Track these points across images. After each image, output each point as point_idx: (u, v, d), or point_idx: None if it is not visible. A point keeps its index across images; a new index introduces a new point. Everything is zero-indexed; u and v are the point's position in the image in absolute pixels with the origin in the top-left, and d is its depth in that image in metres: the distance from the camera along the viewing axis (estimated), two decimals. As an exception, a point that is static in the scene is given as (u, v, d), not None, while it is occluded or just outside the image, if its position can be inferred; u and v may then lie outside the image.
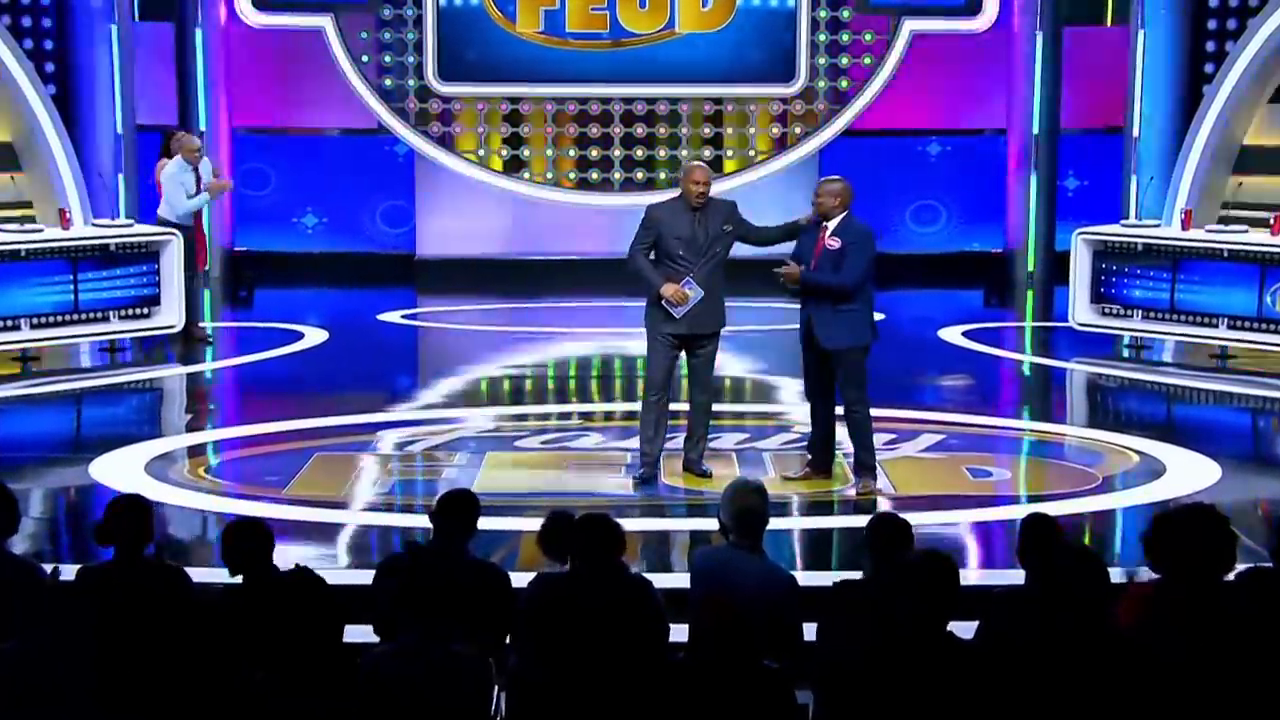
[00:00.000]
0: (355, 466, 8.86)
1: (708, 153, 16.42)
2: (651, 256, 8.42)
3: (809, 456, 8.53)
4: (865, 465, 8.30)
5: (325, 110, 16.62)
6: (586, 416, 10.29)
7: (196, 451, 9.23)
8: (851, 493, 8.24)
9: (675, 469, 8.65)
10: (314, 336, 13.06)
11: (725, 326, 8.52)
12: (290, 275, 16.37)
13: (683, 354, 8.52)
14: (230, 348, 12.97)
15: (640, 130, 16.44)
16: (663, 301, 8.31)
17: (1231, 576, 4.85)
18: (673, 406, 8.70)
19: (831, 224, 8.19)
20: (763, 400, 11.08)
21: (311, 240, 17.00)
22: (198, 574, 5.75)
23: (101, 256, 11.77)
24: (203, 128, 15.79)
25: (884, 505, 8.05)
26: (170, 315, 12.08)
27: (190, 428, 10.00)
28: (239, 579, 5.31)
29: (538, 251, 16.57)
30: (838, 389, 8.27)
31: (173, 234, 11.97)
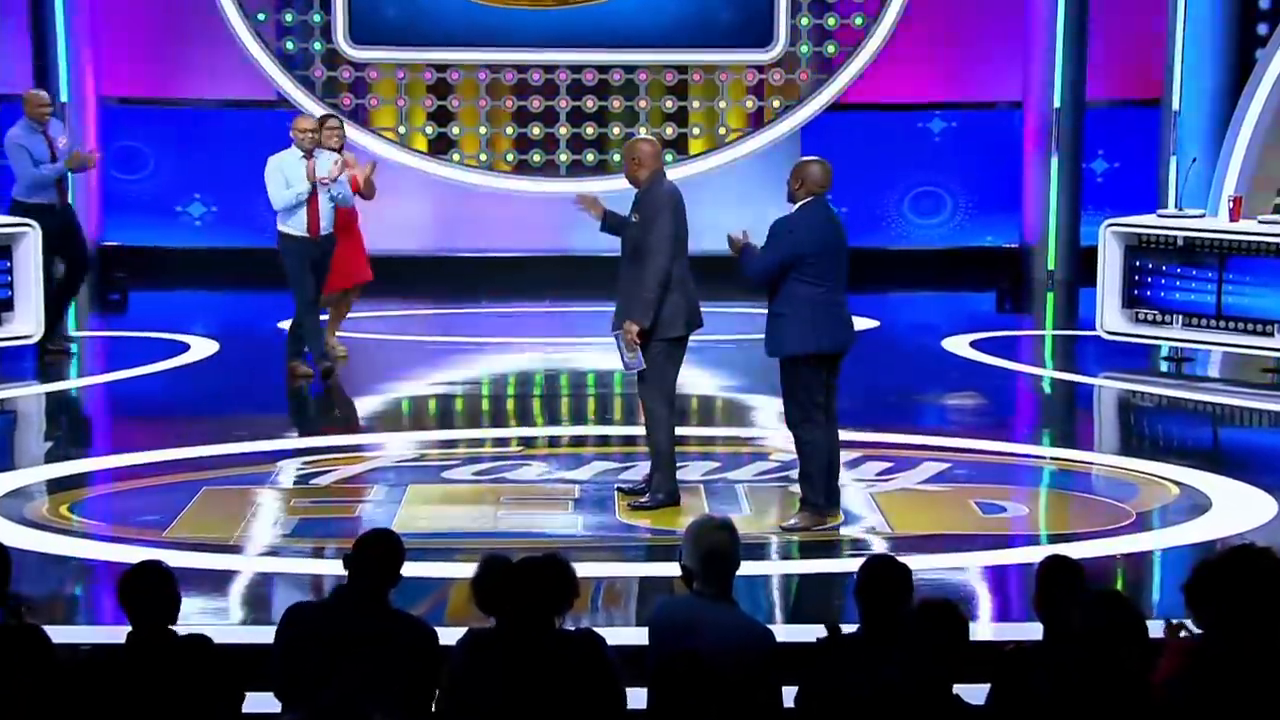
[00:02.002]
0: (251, 503, 8.84)
1: (670, 130, 16.48)
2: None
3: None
4: (806, 500, 8.35)
5: (214, 78, 16.59)
6: (527, 443, 10.29)
7: (58, 486, 9.19)
8: (857, 532, 8.28)
9: (628, 503, 8.68)
10: (201, 348, 13.01)
11: (669, 335, 8.51)
12: (172, 275, 16.31)
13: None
14: (99, 361, 12.91)
15: (590, 104, 16.48)
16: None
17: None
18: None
19: (792, 210, 8.25)
20: (735, 423, 11.10)
21: (198, 233, 16.95)
22: (58, 633, 5.73)
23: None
24: (64, 98, 15.74)
25: (878, 547, 8.09)
26: (27, 323, 12.00)
27: (50, 458, 9.95)
28: (107, 640, 5.29)
29: (470, 247, 16.58)
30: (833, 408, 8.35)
31: (28, 225, 11.86)
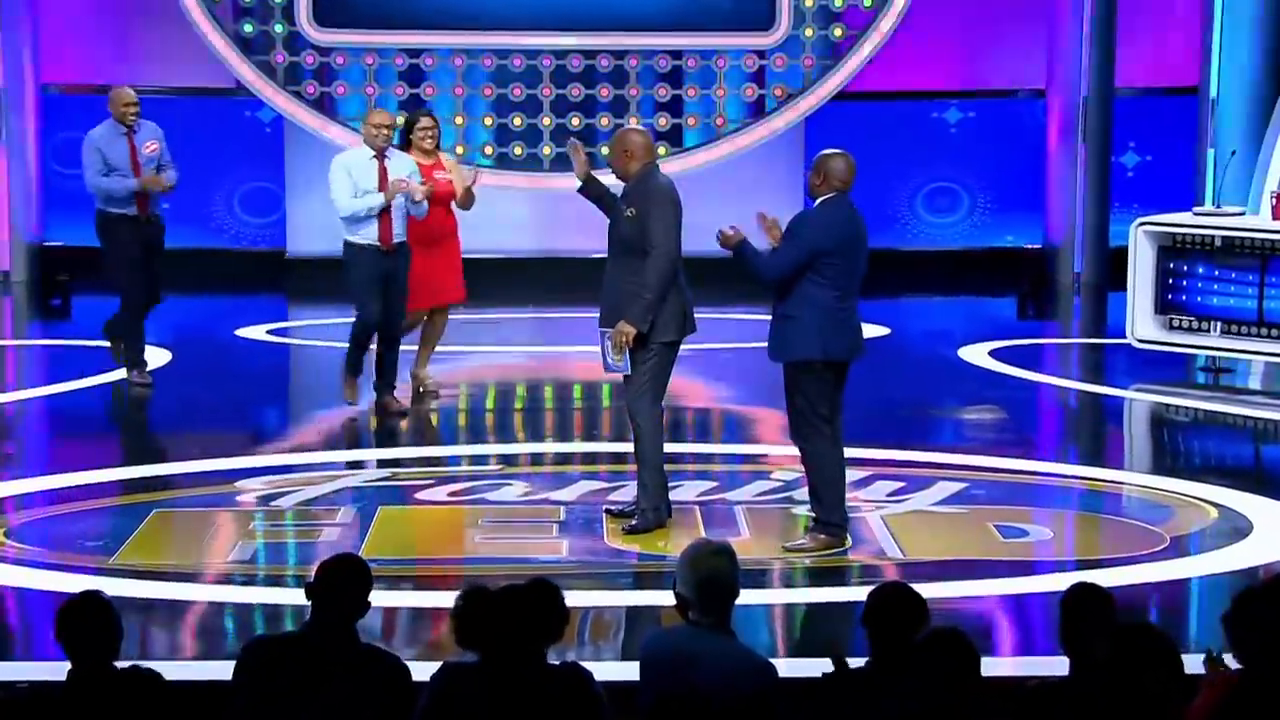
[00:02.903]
0: (207, 527, 8.83)
1: (663, 121, 16.50)
2: None
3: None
4: (816, 519, 8.38)
5: (165, 64, 16.59)
6: (508, 461, 10.29)
7: (-4, 508, 9.19)
8: (867, 557, 8.29)
9: (620, 527, 8.69)
10: (153, 357, 13.01)
11: (663, 339, 8.53)
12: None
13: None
14: (40, 372, 12.89)
15: (576, 92, 16.49)
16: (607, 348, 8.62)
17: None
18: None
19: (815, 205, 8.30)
20: (733, 438, 11.10)
21: (148, 233, 16.94)
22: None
23: None
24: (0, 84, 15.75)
25: (889, 574, 8.09)
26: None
27: (-12, 477, 9.94)
28: (49, 677, 5.29)
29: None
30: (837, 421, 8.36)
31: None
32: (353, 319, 11.15)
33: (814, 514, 8.43)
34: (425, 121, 11.44)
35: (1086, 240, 16.50)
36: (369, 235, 10.94)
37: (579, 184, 8.84)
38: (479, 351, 13.63)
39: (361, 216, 10.89)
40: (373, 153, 10.93)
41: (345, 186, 10.92)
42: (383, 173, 10.89)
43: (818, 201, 8.29)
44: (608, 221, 8.70)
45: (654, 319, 8.50)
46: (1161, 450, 11.39)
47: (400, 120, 11.76)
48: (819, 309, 8.17)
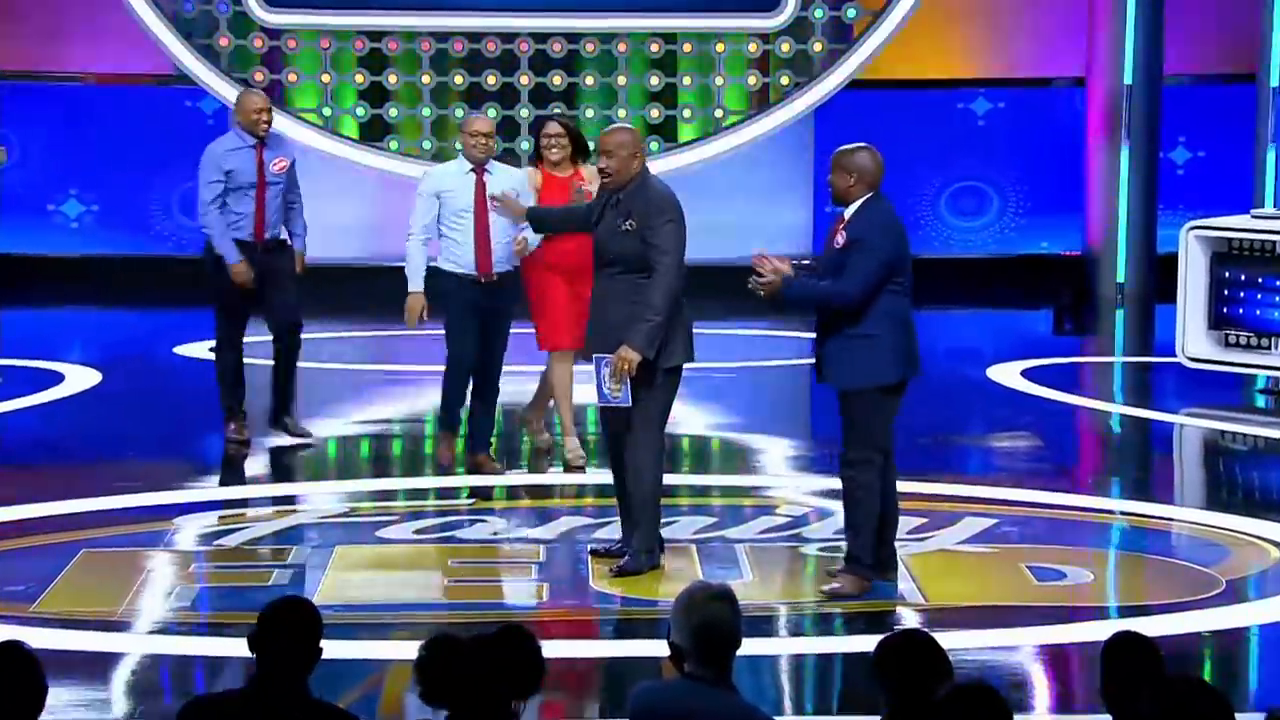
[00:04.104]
0: (140, 569, 8.82)
1: (655, 113, 16.52)
2: None
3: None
4: (852, 556, 8.38)
5: (96, 48, 16.60)
6: (481, 495, 10.29)
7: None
8: (883, 602, 8.29)
9: (607, 568, 8.69)
10: (79, 379, 13.00)
11: (669, 364, 8.54)
12: (45, 289, 16.29)
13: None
14: (-44, 395, 12.90)
15: (558, 80, 16.51)
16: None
17: None
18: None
19: (849, 212, 8.29)
20: (734, 469, 11.09)
21: (76, 238, 16.94)
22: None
23: None
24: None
25: (908, 620, 8.10)
26: None
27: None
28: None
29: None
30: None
31: None
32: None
33: (851, 551, 8.38)
34: (551, 128, 10.60)
35: (1131, 246, 16.53)
36: (461, 261, 10.34)
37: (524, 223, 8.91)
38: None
39: (415, 260, 10.38)
40: (470, 166, 10.37)
41: (428, 207, 10.37)
42: (480, 190, 10.31)
43: (857, 204, 8.27)
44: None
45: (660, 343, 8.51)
46: (1216, 483, 11.40)
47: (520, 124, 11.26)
48: (900, 323, 8.26)
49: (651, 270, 8.50)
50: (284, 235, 11.24)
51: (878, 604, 8.29)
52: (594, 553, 8.93)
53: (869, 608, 8.27)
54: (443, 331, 10.48)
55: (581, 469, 10.59)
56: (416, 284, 10.38)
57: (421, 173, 10.82)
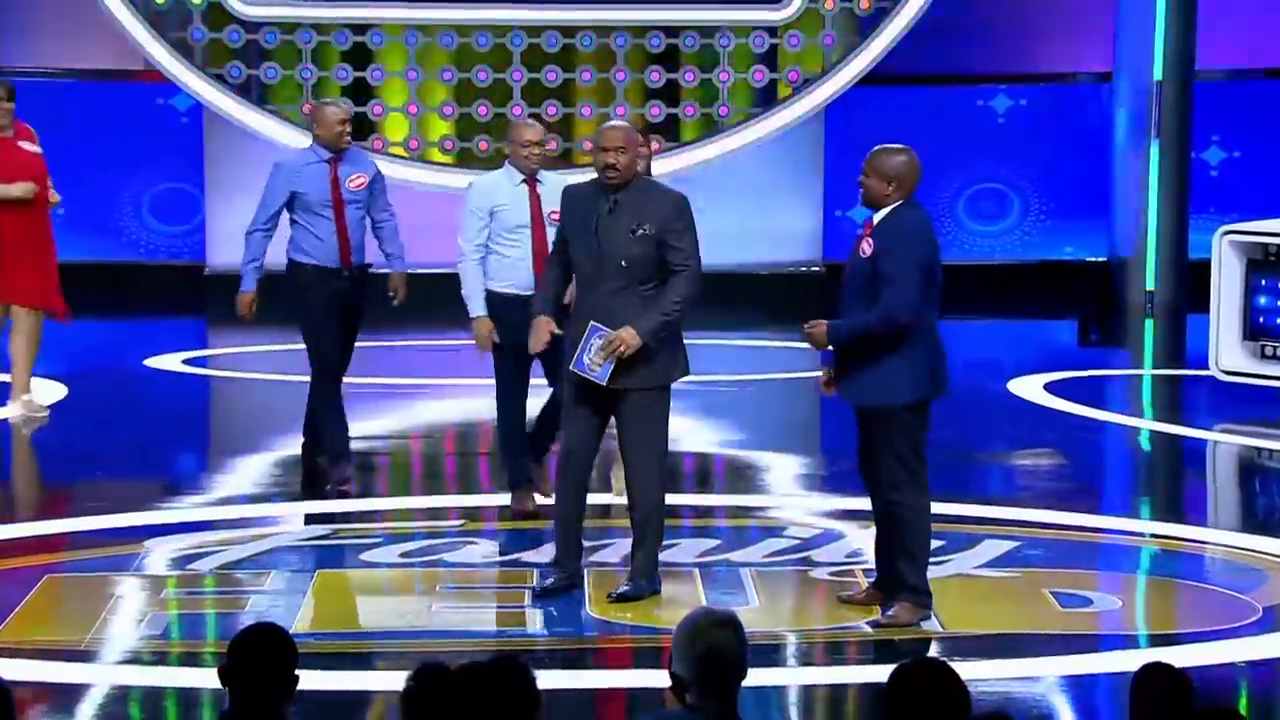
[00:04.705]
0: (108, 595, 8.83)
1: (656, 110, 16.53)
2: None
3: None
4: (903, 582, 8.38)
5: (59, 41, 16.61)
6: (471, 516, 10.30)
7: None
8: (897, 630, 8.30)
9: (605, 592, 8.69)
10: (44, 392, 13.00)
11: (673, 379, 8.57)
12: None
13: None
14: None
15: (552, 76, 16.53)
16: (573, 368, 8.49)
17: None
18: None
19: (877, 217, 8.29)
20: (741, 488, 11.10)
21: (42, 243, 16.95)
22: None
23: None
24: None
25: (924, 648, 8.10)
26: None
27: None
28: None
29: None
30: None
31: None
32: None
33: (902, 575, 8.35)
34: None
35: (1161, 252, 16.54)
36: (520, 283, 9.91)
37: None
38: (434, 385, 13.65)
39: (473, 283, 9.96)
40: (521, 177, 10.05)
41: (478, 225, 9.99)
42: (535, 203, 10.03)
43: (887, 210, 8.26)
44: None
45: (662, 354, 8.49)
46: (1252, 503, 11.40)
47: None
48: (931, 335, 8.28)
49: (658, 283, 8.46)
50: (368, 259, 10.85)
51: (892, 631, 8.30)
52: (543, 592, 8.80)
53: (883, 635, 8.27)
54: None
55: None
56: (478, 308, 9.95)
57: (465, 184, 10.55)
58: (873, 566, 8.63)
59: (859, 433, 8.44)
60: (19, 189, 12.09)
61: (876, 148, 8.38)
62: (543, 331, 8.68)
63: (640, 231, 8.46)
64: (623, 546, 8.97)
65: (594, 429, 8.67)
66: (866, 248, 8.24)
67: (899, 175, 8.24)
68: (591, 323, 8.45)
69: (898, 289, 8.14)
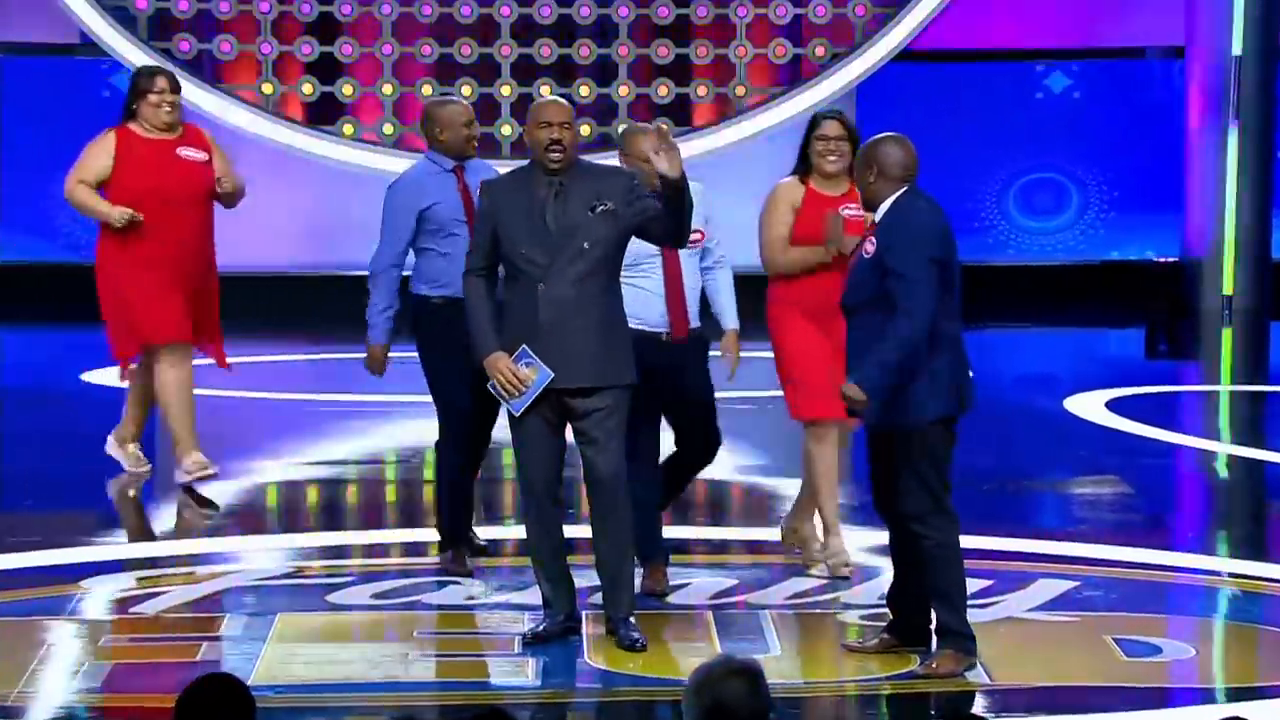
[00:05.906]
0: (39, 642, 8.84)
1: (664, 90, 16.57)
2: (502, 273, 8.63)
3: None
4: (946, 629, 8.39)
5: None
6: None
7: None
8: (940, 681, 8.31)
9: (605, 638, 8.72)
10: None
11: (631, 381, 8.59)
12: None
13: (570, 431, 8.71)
14: None
15: (546, 52, 16.57)
16: (488, 386, 8.47)
17: None
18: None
19: (878, 214, 8.32)
20: (758, 521, 11.11)
21: (-35, 242, 17.01)
22: None
23: None
24: None
25: (969, 703, 8.10)
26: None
27: None
28: None
29: (362, 263, 16.58)
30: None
31: None
32: None
33: (943, 623, 8.36)
34: (829, 128, 9.59)
35: (1240, 251, 16.57)
36: (648, 318, 9.38)
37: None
38: (408, 402, 13.67)
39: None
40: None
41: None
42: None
43: (887, 204, 8.30)
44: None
45: (621, 356, 8.55)
46: (1343, 537, 11.43)
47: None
48: (953, 344, 8.29)
49: (614, 276, 8.50)
50: None
51: (934, 684, 8.30)
52: (535, 638, 8.84)
53: (923, 687, 8.28)
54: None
55: (847, 578, 9.73)
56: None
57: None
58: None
59: (870, 458, 8.43)
60: (116, 214, 11.54)
61: (878, 136, 8.43)
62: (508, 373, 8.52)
63: (601, 208, 8.45)
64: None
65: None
66: (870, 247, 8.26)
67: (877, 160, 8.31)
68: (523, 346, 8.48)
69: (903, 292, 8.16)
